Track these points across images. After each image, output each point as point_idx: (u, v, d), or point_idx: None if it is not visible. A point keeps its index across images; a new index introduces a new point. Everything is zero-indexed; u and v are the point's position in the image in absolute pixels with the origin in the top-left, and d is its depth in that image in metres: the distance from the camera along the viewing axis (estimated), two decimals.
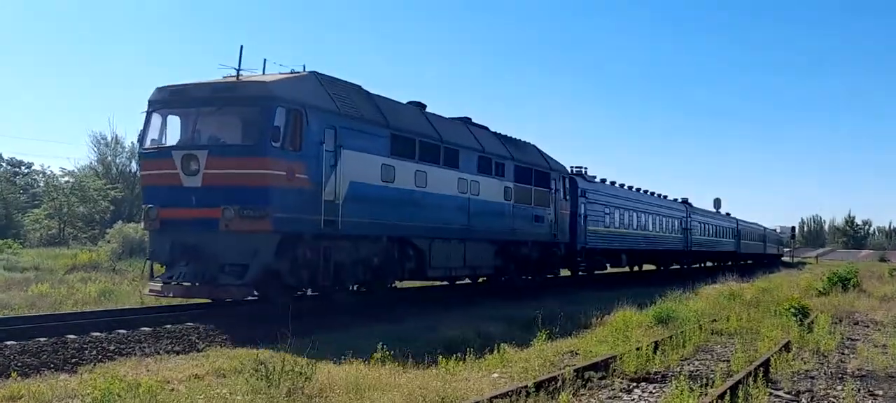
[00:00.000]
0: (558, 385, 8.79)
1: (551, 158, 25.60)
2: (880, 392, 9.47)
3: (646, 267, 40.83)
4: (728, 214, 59.96)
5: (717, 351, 12.34)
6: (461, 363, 9.98)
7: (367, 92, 16.33)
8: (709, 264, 52.58)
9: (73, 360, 10.51)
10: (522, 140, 24.14)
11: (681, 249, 42.24)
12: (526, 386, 8.34)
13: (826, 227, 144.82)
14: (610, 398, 8.79)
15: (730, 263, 55.30)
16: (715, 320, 15.10)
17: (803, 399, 9.28)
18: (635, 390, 9.39)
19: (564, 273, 29.66)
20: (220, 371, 9.37)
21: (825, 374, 10.79)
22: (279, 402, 7.63)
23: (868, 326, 15.58)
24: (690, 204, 46.22)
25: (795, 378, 10.23)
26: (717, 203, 51.97)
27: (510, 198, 21.65)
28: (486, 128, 21.88)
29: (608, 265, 34.21)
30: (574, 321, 14.69)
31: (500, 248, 20.50)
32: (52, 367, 9.78)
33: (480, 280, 23.69)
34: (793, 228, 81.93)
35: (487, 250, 20.19)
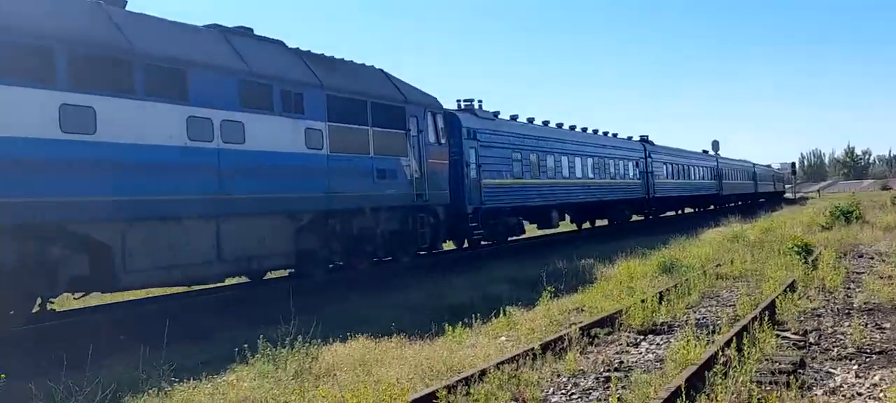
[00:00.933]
0: (565, 344, 9.76)
1: (410, 87, 21.86)
2: (888, 325, 10.97)
3: (589, 223, 38.07)
4: (706, 152, 59.84)
5: (723, 297, 13.95)
6: (468, 329, 11.18)
7: None
8: (688, 211, 53.06)
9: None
10: (353, 61, 20.19)
11: (640, 197, 40.47)
12: (532, 349, 9.26)
13: (826, 160, 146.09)
14: (617, 353, 9.93)
15: (712, 207, 55.74)
16: (719, 265, 17.62)
17: (810, 338, 10.37)
18: (642, 343, 10.49)
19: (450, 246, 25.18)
20: (225, 355, 10.07)
21: (831, 311, 12.09)
22: (287, 385, 8.46)
23: (873, 258, 18.71)
24: (651, 143, 44.48)
25: (802, 318, 11.56)
26: (715, 145, 52.06)
27: (321, 145, 17.05)
28: (279, 43, 17.74)
29: (534, 226, 30.34)
30: (579, 276, 16.77)
31: (307, 224, 16.69)
32: None
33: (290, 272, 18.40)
34: (793, 164, 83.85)
35: (278, 229, 15.82)
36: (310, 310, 12.25)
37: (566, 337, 9.91)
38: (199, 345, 11.41)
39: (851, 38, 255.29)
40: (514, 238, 28.30)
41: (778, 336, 10.05)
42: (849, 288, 14.00)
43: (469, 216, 23.61)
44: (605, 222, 38.24)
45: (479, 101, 27.02)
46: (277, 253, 15.75)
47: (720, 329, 10.52)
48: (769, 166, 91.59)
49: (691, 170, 51.27)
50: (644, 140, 43.73)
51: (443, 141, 22.07)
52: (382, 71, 20.57)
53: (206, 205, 13.95)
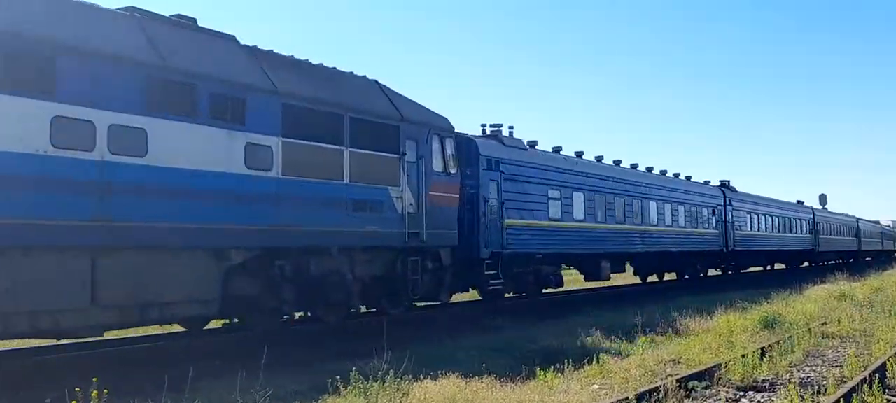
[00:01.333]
0: (660, 395, 10.18)
1: (412, 103, 20.04)
2: None
3: (657, 277, 35.97)
4: (801, 203, 55.81)
5: (829, 356, 13.93)
6: (560, 374, 11.54)
7: None
8: (778, 267, 49.28)
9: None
10: (335, 68, 18.46)
11: (717, 249, 37.10)
12: (627, 398, 9.87)
13: None
14: None
15: (806, 264, 53.36)
16: (825, 323, 17.35)
17: None
18: (743, 399, 10.75)
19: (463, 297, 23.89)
20: (318, 386, 10.98)
21: None
22: None
23: None
24: (733, 189, 41.47)
25: None
26: (823, 199, 49.38)
27: (270, 165, 15.07)
28: (228, 38, 15.80)
29: (584, 275, 27.45)
30: (675, 327, 16.60)
31: (243, 265, 15.00)
32: None
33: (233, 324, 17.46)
34: None
35: (194, 269, 13.75)
36: (401, 346, 14.94)
37: (662, 388, 11.75)
38: (293, 375, 14.01)
39: None
40: (553, 290, 25.15)
41: (889, 400, 9.96)
42: None
43: (485, 262, 21.44)
44: (673, 276, 37.55)
45: (510, 128, 24.64)
46: (191, 300, 13.37)
47: (826, 389, 10.77)
48: (877, 222, 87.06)
49: (780, 221, 48.20)
50: (724, 185, 40.46)
51: (453, 170, 19.72)
52: (377, 82, 18.65)
53: (76, 233, 11.59)
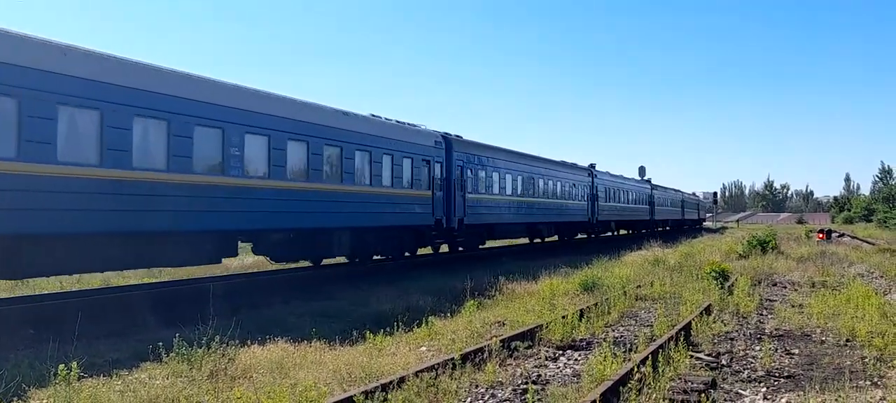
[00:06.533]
0: (485, 356, 9.90)
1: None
2: (796, 351, 11.38)
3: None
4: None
5: (642, 317, 14.17)
6: (389, 337, 11.30)
7: None
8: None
9: None
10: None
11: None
12: (452, 359, 9.32)
13: (747, 192, 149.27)
14: (536, 366, 10.04)
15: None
16: (639, 286, 17.94)
17: (723, 360, 10.67)
18: (561, 358, 10.64)
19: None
20: (139, 354, 9.92)
21: (744, 335, 12.42)
22: (201, 385, 8.36)
23: (785, 287, 19.35)
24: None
25: (716, 340, 11.88)
26: (642, 171, 50.95)
27: None
28: None
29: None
30: (503, 291, 16.94)
31: None
32: None
33: None
34: (715, 194, 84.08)
35: None
36: (229, 313, 12.24)
37: (486, 349, 9.99)
38: (113, 343, 11.24)
39: (776, 75, 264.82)
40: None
41: (692, 356, 10.34)
42: (761, 314, 14.47)
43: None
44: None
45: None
46: None
47: (637, 347, 10.72)
48: (694, 194, 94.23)
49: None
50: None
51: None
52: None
53: None
